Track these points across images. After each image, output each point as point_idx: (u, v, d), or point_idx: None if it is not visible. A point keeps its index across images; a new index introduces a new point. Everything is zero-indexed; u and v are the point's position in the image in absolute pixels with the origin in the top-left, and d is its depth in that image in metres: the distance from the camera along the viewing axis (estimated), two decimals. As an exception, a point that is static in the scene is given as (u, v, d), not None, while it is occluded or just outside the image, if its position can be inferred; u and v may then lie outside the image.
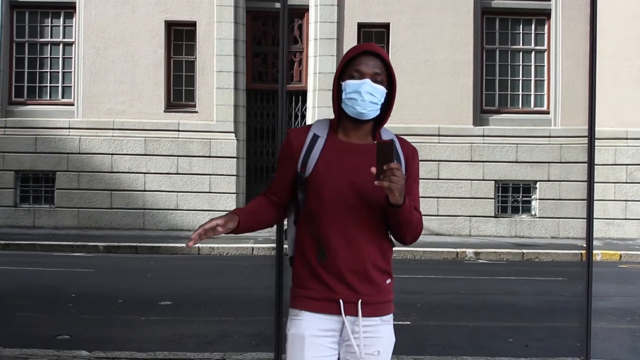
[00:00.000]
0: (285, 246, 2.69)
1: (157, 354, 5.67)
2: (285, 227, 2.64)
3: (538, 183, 15.75)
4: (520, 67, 16.29)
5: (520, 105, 16.27)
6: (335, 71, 2.52)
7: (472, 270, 11.58)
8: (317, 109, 15.50)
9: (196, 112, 15.88)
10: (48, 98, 16.23)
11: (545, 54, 16.17)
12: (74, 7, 15.98)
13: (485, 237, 15.40)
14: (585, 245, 4.75)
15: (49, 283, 9.43)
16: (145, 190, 15.63)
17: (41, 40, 16.27)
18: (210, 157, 15.67)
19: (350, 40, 15.51)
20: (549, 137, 15.71)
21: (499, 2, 16.16)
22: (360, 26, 15.95)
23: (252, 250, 12.79)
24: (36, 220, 15.69)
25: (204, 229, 2.34)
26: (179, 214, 15.63)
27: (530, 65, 16.26)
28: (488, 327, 7.24)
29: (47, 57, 16.28)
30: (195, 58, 15.96)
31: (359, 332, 2.40)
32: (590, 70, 4.60)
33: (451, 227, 15.56)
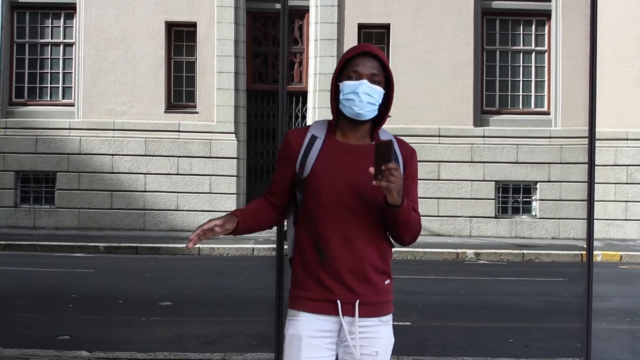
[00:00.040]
0: (285, 247, 2.70)
1: (157, 354, 5.67)
2: (285, 227, 2.64)
3: (538, 184, 15.75)
4: (521, 67, 16.29)
5: (520, 106, 16.27)
6: (333, 72, 2.52)
7: (472, 270, 11.58)
8: (318, 109, 15.50)
9: (196, 112, 15.88)
10: (48, 99, 16.23)
11: (546, 54, 16.18)
12: (75, 8, 15.99)
13: (485, 237, 15.39)
14: (585, 246, 4.75)
15: (49, 283, 9.43)
16: (145, 191, 15.63)
17: (42, 41, 16.27)
18: (210, 157, 15.67)
19: (351, 41, 15.51)
20: (550, 137, 15.71)
21: (499, 3, 16.17)
22: (361, 27, 15.95)
23: (253, 250, 12.79)
24: (37, 220, 15.69)
25: (203, 229, 2.35)
26: (179, 215, 15.63)
27: (531, 66, 16.26)
28: (488, 328, 7.25)
29: (48, 58, 16.29)
30: (196, 59, 15.97)
31: (356, 332, 2.40)
32: (591, 71, 4.60)
33: (451, 227, 15.57)
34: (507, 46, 16.29)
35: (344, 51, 2.62)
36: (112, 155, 15.64)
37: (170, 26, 15.95)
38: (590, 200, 4.62)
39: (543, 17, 16.22)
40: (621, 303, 8.70)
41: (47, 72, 16.25)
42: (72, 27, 16.17)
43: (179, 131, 15.69)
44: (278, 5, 15.01)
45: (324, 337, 2.43)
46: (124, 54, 15.73)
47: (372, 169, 2.21)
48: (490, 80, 16.21)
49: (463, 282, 10.40)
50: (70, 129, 15.71)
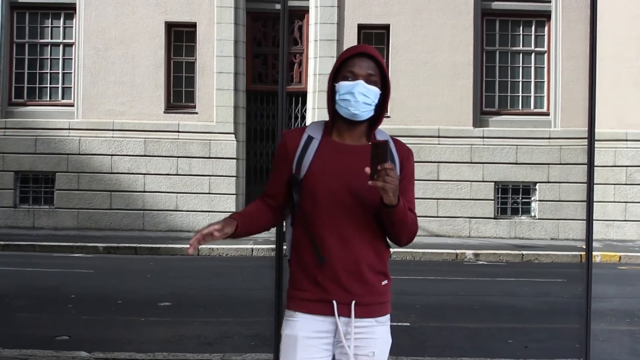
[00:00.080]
0: (284, 247, 2.70)
1: (156, 354, 5.67)
2: (284, 228, 2.64)
3: (538, 184, 15.75)
4: (520, 68, 16.30)
5: (520, 107, 16.28)
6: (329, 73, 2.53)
7: (471, 271, 11.58)
8: (317, 110, 15.50)
9: (196, 113, 15.88)
10: (48, 99, 16.23)
11: (545, 55, 16.18)
12: (74, 8, 15.98)
13: (484, 238, 15.40)
14: (584, 247, 4.75)
15: (48, 284, 9.43)
16: (145, 191, 15.63)
17: (41, 41, 16.27)
18: (210, 158, 15.67)
19: (351, 42, 15.51)
20: (549, 138, 15.72)
21: (499, 3, 16.17)
22: (361, 27, 15.96)
23: (252, 251, 12.79)
24: (36, 220, 15.68)
25: (202, 234, 2.34)
26: (178, 215, 15.63)
27: (530, 66, 16.27)
28: (487, 329, 7.25)
29: (47, 58, 16.28)
30: (195, 59, 15.97)
31: (352, 333, 2.40)
32: (590, 72, 4.60)
33: (451, 228, 15.56)
34: (506, 47, 16.29)
35: (342, 52, 2.62)
36: (112, 155, 15.63)
37: (170, 26, 15.95)
38: (590, 201, 4.63)
39: (543, 17, 16.22)
40: (620, 304, 8.71)
41: (47, 73, 16.24)
42: (72, 27, 16.17)
43: (178, 131, 15.69)
44: (278, 6, 15.02)
45: (320, 338, 2.43)
46: (124, 54, 15.73)
47: (368, 169, 2.21)
48: (489, 81, 16.21)
49: (462, 282, 10.40)
50: (69, 129, 15.70)
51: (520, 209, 15.91)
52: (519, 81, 16.27)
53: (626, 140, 15.56)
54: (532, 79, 16.24)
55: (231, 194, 15.64)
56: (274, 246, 2.61)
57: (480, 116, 15.99)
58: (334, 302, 2.40)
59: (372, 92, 2.42)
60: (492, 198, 15.74)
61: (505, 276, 11.09)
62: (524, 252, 13.19)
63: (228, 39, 15.77)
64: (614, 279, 10.80)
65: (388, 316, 2.50)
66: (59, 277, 10.22)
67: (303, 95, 16.07)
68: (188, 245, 2.36)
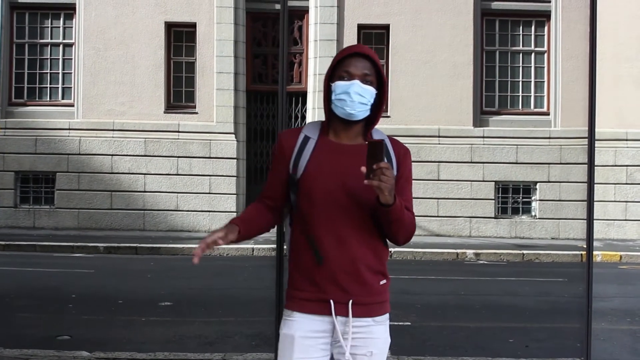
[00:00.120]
0: (285, 247, 2.70)
1: (157, 354, 5.67)
2: (285, 228, 2.65)
3: (538, 184, 15.75)
4: (520, 68, 16.30)
5: (520, 107, 16.28)
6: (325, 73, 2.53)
7: (472, 271, 11.58)
8: (317, 110, 15.51)
9: (196, 113, 15.89)
10: (48, 99, 16.24)
11: (545, 55, 16.18)
12: (74, 8, 15.99)
13: (485, 238, 15.40)
14: (585, 246, 4.75)
15: (49, 284, 9.43)
16: (145, 191, 15.63)
17: (41, 41, 16.28)
18: (210, 158, 15.68)
19: (350, 42, 15.51)
20: (549, 138, 15.72)
21: (498, 3, 16.17)
22: (360, 27, 15.96)
23: (252, 250, 12.79)
24: (36, 221, 15.69)
25: (206, 243, 2.34)
26: (179, 215, 15.63)
27: (530, 66, 16.27)
28: (488, 328, 7.25)
29: (47, 58, 16.29)
30: (195, 59, 15.97)
31: (349, 332, 2.40)
32: (590, 72, 4.60)
33: (451, 228, 15.57)
34: (506, 47, 16.29)
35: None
36: (112, 155, 15.64)
37: (169, 27, 15.95)
38: (590, 201, 4.63)
39: (542, 17, 16.23)
40: (621, 303, 8.71)
41: (47, 73, 16.25)
42: (72, 27, 16.17)
43: (178, 131, 15.69)
44: (278, 6, 15.02)
45: (317, 338, 2.43)
46: (124, 54, 15.74)
47: (363, 168, 2.22)
48: (489, 80, 16.22)
49: (463, 282, 10.40)
50: (69, 129, 15.71)
51: (520, 208, 15.92)
52: (519, 81, 16.27)
53: (626, 140, 15.57)
54: (532, 79, 16.25)
55: (231, 194, 15.65)
56: (274, 246, 2.62)
57: (481, 116, 16.00)
58: (331, 301, 2.39)
59: (368, 91, 2.42)
60: (493, 198, 15.74)
61: (505, 276, 11.09)
62: (525, 252, 13.19)
63: (228, 39, 15.78)
64: (615, 279, 10.80)
65: (387, 315, 2.50)
66: (60, 277, 10.23)
67: (303, 95, 16.07)
68: (192, 249, 2.37)
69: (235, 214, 15.47)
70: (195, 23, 15.88)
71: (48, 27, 16.32)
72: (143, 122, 15.67)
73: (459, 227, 15.61)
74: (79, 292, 8.60)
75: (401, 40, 15.83)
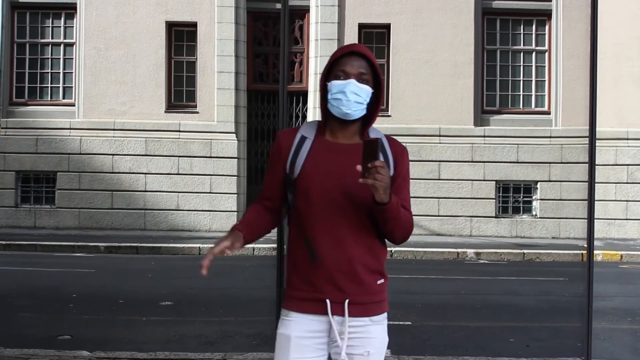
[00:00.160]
0: (285, 246, 2.70)
1: (158, 354, 5.67)
2: (284, 228, 2.65)
3: (539, 183, 15.75)
4: (521, 67, 16.29)
5: (521, 106, 16.27)
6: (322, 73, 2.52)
7: (473, 270, 11.58)
8: (318, 109, 15.43)
9: (197, 112, 15.89)
10: (49, 99, 16.24)
11: (546, 54, 16.18)
12: (75, 8, 15.99)
13: (486, 237, 15.39)
14: (586, 246, 4.75)
15: (49, 283, 9.44)
16: (146, 191, 15.64)
17: (42, 40, 16.28)
18: (211, 157, 15.68)
19: (351, 41, 15.45)
20: (550, 137, 15.71)
21: (499, 2, 16.17)
22: (361, 27, 15.96)
23: (253, 250, 12.79)
24: (37, 220, 15.70)
25: (214, 254, 2.35)
26: (179, 215, 15.64)
27: (531, 65, 16.26)
28: (489, 327, 7.25)
29: (48, 58, 16.30)
30: (196, 59, 15.97)
31: (345, 332, 2.40)
32: (591, 71, 4.60)
33: (452, 227, 15.56)
34: (507, 46, 16.29)
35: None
36: (113, 155, 15.64)
37: (170, 26, 15.95)
38: (591, 200, 4.63)
39: (543, 16, 16.22)
40: (621, 302, 8.70)
41: (48, 72, 16.26)
42: (73, 27, 16.18)
43: (179, 131, 15.69)
44: (278, 5, 15.01)
45: (313, 338, 2.43)
46: (125, 53, 15.74)
47: (359, 167, 2.21)
48: (490, 80, 16.21)
49: (463, 281, 10.40)
50: (70, 128, 15.71)
51: (521, 207, 15.91)
52: (519, 80, 16.26)
53: (627, 139, 15.56)
54: (533, 78, 16.24)
55: (232, 194, 15.65)
56: (274, 245, 2.61)
57: (481, 115, 15.99)
58: (328, 301, 2.39)
59: (364, 91, 2.42)
60: (494, 197, 15.74)
61: (506, 275, 11.09)
62: (525, 251, 13.19)
63: (229, 38, 15.77)
64: (615, 278, 10.80)
65: (384, 315, 2.49)
66: (60, 276, 10.23)
67: (304, 94, 16.07)
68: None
69: (236, 213, 15.48)
70: (196, 22, 15.88)
71: (49, 26, 16.33)
72: (144, 121, 15.68)
73: (460, 226, 15.61)
74: (80, 292, 8.60)
75: (402, 39, 15.83)
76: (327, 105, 2.46)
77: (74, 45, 16.10)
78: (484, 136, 15.75)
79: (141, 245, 13.12)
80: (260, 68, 16.44)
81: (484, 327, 7.24)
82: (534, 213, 15.89)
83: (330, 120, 2.48)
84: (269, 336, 5.63)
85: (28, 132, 15.62)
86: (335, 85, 2.42)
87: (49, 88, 16.26)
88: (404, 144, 2.57)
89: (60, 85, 16.21)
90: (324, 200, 2.38)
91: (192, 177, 15.66)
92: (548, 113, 16.05)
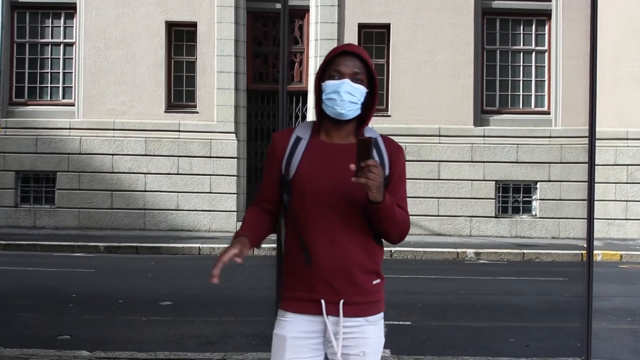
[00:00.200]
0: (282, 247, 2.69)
1: (157, 354, 5.67)
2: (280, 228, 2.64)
3: (539, 183, 15.75)
4: (521, 67, 16.29)
5: (520, 106, 16.27)
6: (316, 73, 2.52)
7: (472, 270, 11.58)
8: (318, 109, 15.48)
9: (197, 112, 15.89)
10: (49, 98, 16.24)
11: (546, 54, 16.18)
12: (75, 8, 15.99)
13: (485, 237, 15.40)
14: (585, 246, 4.75)
15: (49, 283, 9.44)
16: (145, 191, 15.64)
17: (42, 40, 16.28)
18: (210, 157, 15.68)
19: (351, 41, 15.47)
20: (550, 137, 15.71)
21: (499, 2, 16.17)
22: (361, 27, 15.96)
23: (253, 250, 12.76)
24: (37, 220, 15.70)
25: (223, 262, 2.33)
26: (179, 214, 15.64)
27: (531, 65, 16.26)
28: (489, 327, 7.25)
29: (48, 58, 16.29)
30: (196, 59, 15.97)
31: (340, 332, 2.39)
32: (591, 71, 4.60)
33: (452, 227, 15.56)
34: (507, 46, 16.29)
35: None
36: (113, 155, 15.64)
37: (170, 26, 15.95)
38: (591, 200, 4.63)
39: (543, 16, 16.22)
40: (621, 302, 8.71)
41: (48, 72, 16.25)
42: (73, 26, 16.18)
43: (179, 131, 15.69)
44: (278, 5, 15.01)
45: (309, 338, 2.43)
46: (124, 53, 15.74)
47: (353, 166, 2.21)
48: (490, 79, 16.21)
49: (463, 281, 10.40)
50: (70, 128, 15.71)
51: (521, 207, 15.91)
52: (519, 80, 16.27)
53: (627, 139, 15.57)
54: (533, 78, 16.24)
55: (232, 193, 15.65)
56: (274, 245, 2.61)
57: (481, 115, 15.99)
58: (322, 301, 2.39)
59: (358, 90, 2.41)
60: (493, 197, 15.74)
61: (506, 275, 11.09)
62: (525, 251, 13.19)
63: (228, 38, 15.77)
64: (615, 278, 10.80)
65: (380, 315, 2.48)
66: (60, 276, 10.23)
67: (304, 94, 16.07)
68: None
69: (235, 213, 15.48)
70: (196, 22, 15.88)
71: (49, 26, 16.33)
72: (143, 121, 15.68)
73: (460, 226, 15.61)
74: (80, 292, 8.60)
75: (402, 39, 15.83)
76: (322, 106, 2.45)
77: (74, 45, 16.10)
78: (484, 136, 15.75)
79: (141, 245, 13.11)
80: (260, 68, 16.44)
81: (483, 327, 7.24)
82: (533, 213, 15.89)
83: (325, 120, 2.48)
84: (269, 336, 5.60)
85: (28, 132, 15.62)
86: (329, 85, 2.41)
87: (49, 88, 16.26)
88: (400, 144, 2.56)
89: (60, 85, 16.21)
90: (319, 200, 2.38)
91: (191, 177, 15.66)
92: (548, 113, 16.05)
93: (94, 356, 5.59)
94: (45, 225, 15.59)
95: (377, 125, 14.66)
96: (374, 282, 2.45)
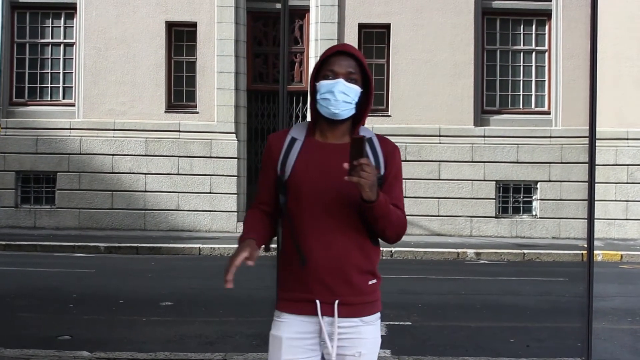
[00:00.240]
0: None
1: (158, 354, 5.67)
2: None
3: (539, 183, 15.75)
4: (521, 67, 16.29)
5: (521, 106, 16.27)
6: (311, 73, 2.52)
7: (473, 270, 11.58)
8: (318, 109, 15.48)
9: (197, 112, 15.89)
10: (49, 99, 16.24)
11: (546, 54, 16.18)
12: (75, 8, 15.99)
13: (486, 237, 15.39)
14: (586, 246, 4.75)
15: (50, 284, 9.44)
16: (146, 191, 15.63)
17: (42, 41, 16.28)
18: (211, 157, 15.67)
19: (351, 41, 15.49)
20: (550, 137, 15.71)
21: (499, 2, 16.17)
22: (361, 27, 15.95)
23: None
24: (37, 220, 15.70)
25: (235, 266, 2.33)
26: (179, 215, 15.64)
27: (531, 65, 16.26)
28: (489, 328, 7.24)
29: (48, 58, 16.29)
30: (196, 59, 15.97)
31: (335, 333, 2.39)
32: (591, 71, 4.60)
33: (452, 227, 15.56)
34: (507, 46, 16.28)
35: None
36: (113, 155, 15.64)
37: (170, 26, 15.95)
38: (591, 200, 4.63)
39: (543, 16, 16.22)
40: (622, 302, 8.71)
41: (48, 72, 16.25)
42: (73, 27, 16.17)
43: (179, 131, 15.69)
44: (278, 5, 15.01)
45: (304, 339, 2.43)
46: (125, 53, 15.74)
47: (346, 165, 2.21)
48: (490, 79, 16.21)
49: (464, 281, 10.40)
50: (70, 129, 15.71)
51: (521, 207, 15.91)
52: (519, 80, 16.26)
53: (627, 139, 15.56)
54: (533, 78, 16.24)
55: (232, 194, 15.65)
56: (274, 245, 2.61)
57: (481, 115, 15.99)
58: (317, 301, 2.39)
59: (353, 90, 2.41)
60: (494, 197, 15.73)
61: (506, 275, 11.09)
62: (526, 251, 13.19)
63: (229, 38, 15.77)
64: (616, 278, 10.80)
65: (377, 315, 2.48)
66: (61, 277, 10.23)
67: (304, 94, 16.06)
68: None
69: (236, 213, 15.47)
70: (196, 22, 15.88)
71: (49, 26, 16.33)
72: (144, 121, 15.68)
73: (460, 226, 15.61)
74: (80, 292, 8.60)
75: (402, 39, 15.83)
76: (316, 106, 2.45)
77: (74, 45, 16.10)
78: (484, 136, 15.75)
79: (141, 245, 13.11)
80: (260, 68, 16.44)
81: (484, 328, 7.24)
82: (534, 213, 15.89)
83: (319, 120, 2.47)
84: (269, 336, 5.62)
85: (28, 132, 15.62)
86: (323, 85, 2.41)
87: (49, 88, 16.26)
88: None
89: (60, 85, 16.21)
90: (315, 200, 2.38)
91: (192, 177, 15.66)
92: (548, 113, 16.05)
93: (94, 356, 5.59)
94: (45, 225, 15.59)
95: (377, 125, 14.67)
96: (370, 283, 2.45)
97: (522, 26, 16.30)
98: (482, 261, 12.75)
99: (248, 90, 16.16)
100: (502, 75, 16.25)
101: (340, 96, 2.38)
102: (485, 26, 16.21)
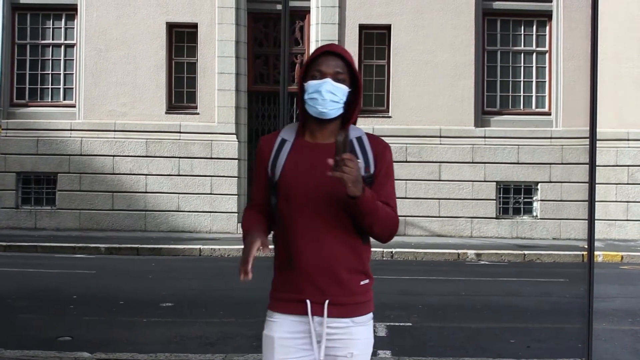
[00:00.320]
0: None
1: (158, 355, 5.67)
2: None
3: (539, 184, 15.74)
4: (522, 68, 16.29)
5: (521, 107, 16.27)
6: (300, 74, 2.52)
7: (473, 271, 11.58)
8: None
9: (197, 113, 15.89)
10: (49, 100, 16.25)
11: (547, 55, 16.18)
12: (76, 9, 16.00)
13: (486, 238, 15.39)
14: (586, 247, 4.75)
15: (50, 284, 9.44)
16: (146, 192, 15.63)
17: (43, 42, 16.29)
18: (211, 158, 15.68)
19: (352, 42, 15.51)
20: (551, 138, 15.71)
21: (500, 3, 16.17)
22: (362, 28, 15.96)
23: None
24: (38, 221, 15.70)
25: (253, 255, 2.35)
26: (180, 216, 15.64)
27: (532, 66, 16.26)
28: (489, 329, 7.24)
29: (49, 59, 16.30)
30: (197, 60, 15.98)
31: (323, 333, 2.40)
32: (592, 72, 4.60)
33: (452, 228, 15.56)
34: (508, 47, 16.29)
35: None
36: (113, 156, 15.64)
37: (171, 27, 15.96)
38: (591, 201, 4.63)
39: (544, 17, 16.22)
40: (622, 303, 8.70)
41: (48, 74, 16.26)
42: (73, 28, 16.18)
43: (180, 132, 15.70)
44: (279, 6, 15.01)
45: (296, 339, 2.44)
46: (125, 55, 15.75)
47: (331, 161, 2.22)
48: (491, 80, 16.21)
49: (464, 282, 10.40)
50: (71, 130, 15.72)
51: (522, 208, 15.91)
52: (520, 81, 16.27)
53: (627, 140, 15.56)
54: (534, 79, 16.24)
55: (233, 195, 15.65)
56: (273, 246, 2.62)
57: (482, 116, 15.99)
58: (308, 301, 2.40)
59: (340, 90, 2.41)
60: (494, 198, 15.73)
61: (507, 276, 11.08)
62: (526, 252, 13.18)
63: (229, 39, 15.78)
64: (616, 279, 10.80)
65: (369, 316, 2.48)
66: (61, 277, 10.23)
67: (304, 95, 16.04)
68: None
69: (236, 214, 15.47)
70: (197, 23, 15.89)
71: (49, 27, 16.34)
72: (144, 122, 15.68)
73: (460, 227, 15.61)
74: (80, 293, 8.60)
75: (402, 40, 15.83)
76: (305, 106, 2.45)
77: (75, 47, 16.11)
78: (485, 137, 15.75)
79: (142, 246, 13.11)
80: (260, 69, 16.44)
81: (484, 328, 7.24)
82: (534, 214, 15.88)
83: (308, 121, 2.48)
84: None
85: (29, 133, 15.63)
86: (311, 85, 2.42)
87: (50, 89, 16.26)
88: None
89: (61, 86, 16.21)
90: (304, 200, 2.39)
91: (192, 178, 15.66)
92: (548, 114, 16.05)
93: (94, 357, 5.59)
94: (46, 226, 15.60)
95: (377, 126, 14.68)
96: (362, 283, 2.45)
97: (522, 27, 16.30)
98: (482, 262, 12.75)
99: (249, 91, 16.17)
100: (502, 76, 16.25)
101: (328, 95, 2.39)
102: (486, 27, 16.21)
